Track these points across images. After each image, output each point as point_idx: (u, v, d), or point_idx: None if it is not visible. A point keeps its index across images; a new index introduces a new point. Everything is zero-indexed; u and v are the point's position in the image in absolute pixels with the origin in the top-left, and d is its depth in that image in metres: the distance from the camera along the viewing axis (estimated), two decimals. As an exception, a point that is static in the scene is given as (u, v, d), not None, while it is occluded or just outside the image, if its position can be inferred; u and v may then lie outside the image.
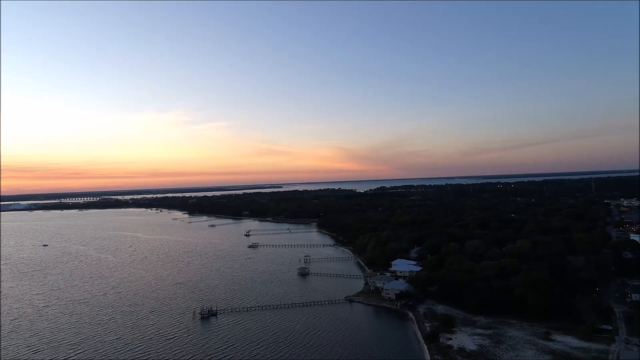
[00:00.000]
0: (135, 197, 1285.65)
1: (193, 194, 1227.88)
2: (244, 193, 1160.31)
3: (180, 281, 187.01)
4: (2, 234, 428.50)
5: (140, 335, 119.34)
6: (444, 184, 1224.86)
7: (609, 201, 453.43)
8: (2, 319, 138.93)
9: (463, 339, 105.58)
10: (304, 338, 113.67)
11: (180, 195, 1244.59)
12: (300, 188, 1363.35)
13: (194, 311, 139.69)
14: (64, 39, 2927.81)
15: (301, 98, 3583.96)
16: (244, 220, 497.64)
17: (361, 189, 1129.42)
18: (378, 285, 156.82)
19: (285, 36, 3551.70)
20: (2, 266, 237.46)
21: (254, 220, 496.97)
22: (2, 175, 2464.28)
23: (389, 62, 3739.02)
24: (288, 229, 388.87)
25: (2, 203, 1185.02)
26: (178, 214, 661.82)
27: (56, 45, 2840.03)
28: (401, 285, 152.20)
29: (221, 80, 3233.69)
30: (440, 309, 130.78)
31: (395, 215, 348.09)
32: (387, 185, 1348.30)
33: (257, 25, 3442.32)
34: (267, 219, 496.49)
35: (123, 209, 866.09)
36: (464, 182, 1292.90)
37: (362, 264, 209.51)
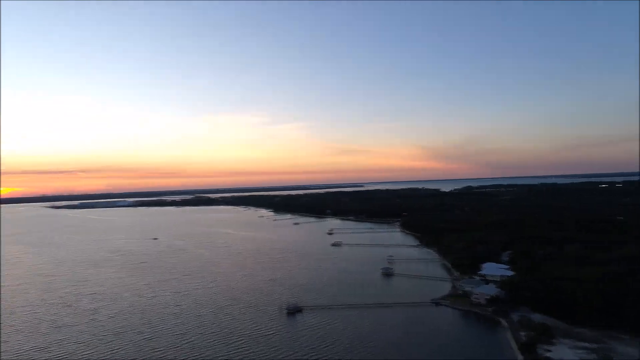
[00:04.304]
0: (225, 195, 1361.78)
1: (277, 193, 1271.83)
2: (326, 192, 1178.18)
3: (270, 277, 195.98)
4: (114, 228, 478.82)
5: (237, 328, 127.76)
6: (537, 182, 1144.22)
7: None
8: (115, 306, 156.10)
9: (564, 352, 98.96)
10: (391, 341, 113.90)
11: (265, 193, 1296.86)
12: (382, 187, 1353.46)
13: (280, 307, 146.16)
14: (152, 45, 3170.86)
15: (379, 97, 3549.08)
16: (327, 219, 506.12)
17: (445, 188, 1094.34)
18: (467, 289, 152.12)
19: (363, 37, 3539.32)
20: (116, 257, 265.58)
21: (336, 219, 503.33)
22: (111, 175, 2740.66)
23: (467, 57, 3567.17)
24: (371, 228, 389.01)
25: (111, 200, 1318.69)
26: (264, 212, 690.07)
27: (144, 52, 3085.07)
28: (492, 290, 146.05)
29: (300, 81, 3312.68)
30: (536, 317, 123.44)
31: (484, 215, 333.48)
32: (474, 184, 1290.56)
33: (335, 26, 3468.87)
34: (349, 217, 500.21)
35: (214, 207, 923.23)
36: (560, 181, 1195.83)
37: (449, 266, 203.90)
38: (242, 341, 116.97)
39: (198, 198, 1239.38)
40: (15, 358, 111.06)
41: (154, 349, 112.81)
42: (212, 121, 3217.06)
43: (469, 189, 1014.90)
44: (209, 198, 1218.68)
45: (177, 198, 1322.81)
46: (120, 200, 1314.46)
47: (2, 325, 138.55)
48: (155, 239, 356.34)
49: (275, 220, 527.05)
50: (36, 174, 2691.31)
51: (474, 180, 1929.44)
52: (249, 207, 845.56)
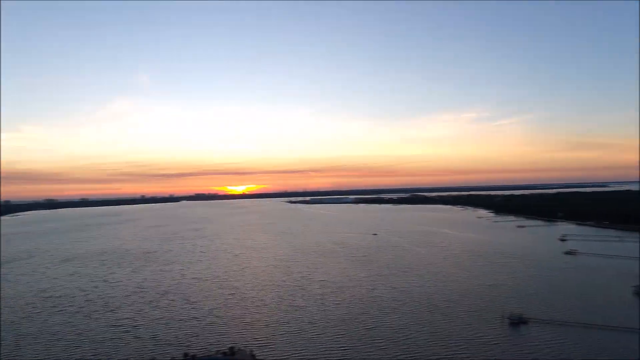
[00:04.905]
0: (441, 194, 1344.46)
1: (498, 192, 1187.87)
2: (557, 192, 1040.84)
3: (490, 282, 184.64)
4: (338, 222, 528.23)
5: (453, 330, 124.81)
6: None
7: None
8: (340, 294, 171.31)
9: None
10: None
11: (484, 193, 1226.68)
12: (635, 187, 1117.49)
13: (502, 315, 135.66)
14: (358, 49, 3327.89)
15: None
16: (558, 223, 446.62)
17: None
18: None
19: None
20: (339, 249, 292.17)
21: (570, 223, 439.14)
22: (337, 174, 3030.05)
23: None
24: (618, 236, 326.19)
25: (336, 197, 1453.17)
26: (483, 212, 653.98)
27: (354, 60, 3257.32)
28: None
29: (523, 71, 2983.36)
30: None
31: None
32: None
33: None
34: (587, 223, 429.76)
35: (430, 205, 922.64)
36: None
37: None
38: (459, 345, 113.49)
39: (414, 196, 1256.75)
40: (253, 329, 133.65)
41: (373, 339, 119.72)
42: (427, 120, 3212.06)
43: None
44: (425, 196, 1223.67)
45: (394, 196, 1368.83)
46: (344, 197, 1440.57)
47: (255, 298, 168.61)
48: (374, 234, 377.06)
49: (495, 221, 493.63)
50: (278, 173, 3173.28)
51: None
52: (466, 206, 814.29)
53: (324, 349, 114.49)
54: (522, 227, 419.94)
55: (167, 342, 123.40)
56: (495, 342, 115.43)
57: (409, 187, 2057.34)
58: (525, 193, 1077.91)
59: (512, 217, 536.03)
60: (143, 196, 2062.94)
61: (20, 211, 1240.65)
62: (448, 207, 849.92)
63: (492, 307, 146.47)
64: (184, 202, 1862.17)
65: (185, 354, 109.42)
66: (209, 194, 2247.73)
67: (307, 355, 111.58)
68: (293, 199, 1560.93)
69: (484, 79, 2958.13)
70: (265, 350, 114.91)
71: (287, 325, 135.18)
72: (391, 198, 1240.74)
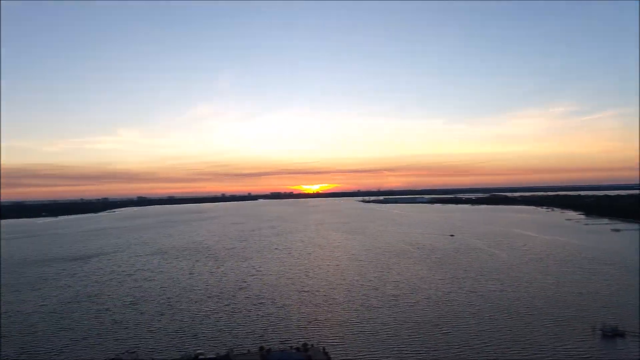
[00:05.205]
0: (524, 194, 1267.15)
1: (589, 193, 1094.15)
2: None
3: (580, 290, 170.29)
4: (413, 223, 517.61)
5: (537, 340, 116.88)
6: None
7: None
8: (413, 296, 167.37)
9: None
10: None
11: (573, 193, 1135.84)
12: None
13: (594, 326, 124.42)
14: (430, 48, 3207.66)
15: None
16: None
17: None
18: None
19: None
20: (413, 250, 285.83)
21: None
22: (411, 173, 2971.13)
23: None
24: None
25: (410, 196, 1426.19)
26: (571, 214, 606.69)
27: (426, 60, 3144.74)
28: None
29: (620, 60, 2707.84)
30: None
31: None
32: None
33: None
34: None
35: (511, 206, 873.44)
36: None
37: None
38: (544, 356, 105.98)
39: (494, 196, 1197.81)
40: (324, 327, 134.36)
41: (448, 344, 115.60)
42: (508, 115, 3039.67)
43: None
44: (506, 197, 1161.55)
45: (472, 196, 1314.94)
46: (418, 197, 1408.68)
47: (328, 296, 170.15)
48: (451, 235, 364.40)
49: (586, 224, 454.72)
50: (351, 172, 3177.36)
51: None
52: (553, 207, 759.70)
53: (397, 351, 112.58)
54: (618, 230, 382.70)
55: (243, 335, 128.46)
56: (586, 356, 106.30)
57: (488, 186, 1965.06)
58: (622, 193, 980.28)
59: (605, 220, 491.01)
60: (223, 194, 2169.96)
61: (116, 207, 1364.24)
62: (532, 208, 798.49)
63: (582, 317, 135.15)
64: (261, 200, 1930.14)
65: (261, 348, 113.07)
66: (284, 192, 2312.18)
67: (380, 356, 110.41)
68: (367, 198, 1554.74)
69: (573, 70, 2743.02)
70: (338, 348, 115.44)
71: (360, 325, 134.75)
72: (469, 198, 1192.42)
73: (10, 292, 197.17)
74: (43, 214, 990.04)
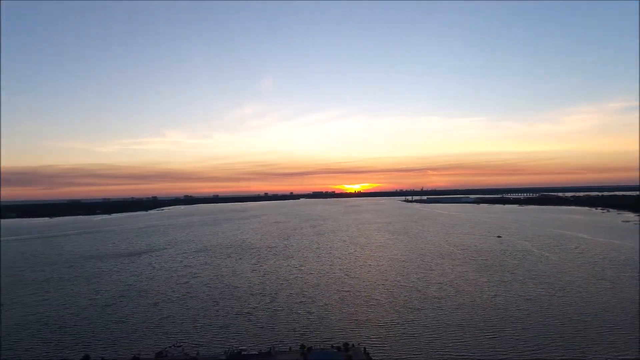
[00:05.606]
0: (577, 194, 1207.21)
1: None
2: None
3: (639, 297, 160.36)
4: (458, 223, 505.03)
5: (591, 349, 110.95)
6: None
7: None
8: (458, 298, 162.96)
9: None
10: None
11: (632, 193, 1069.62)
12: None
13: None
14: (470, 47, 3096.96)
15: None
16: None
17: None
18: None
19: None
20: (458, 250, 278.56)
21: None
22: (456, 172, 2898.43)
23: None
24: None
25: (455, 196, 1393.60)
26: (630, 215, 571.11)
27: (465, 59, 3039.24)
28: None
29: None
30: None
31: None
32: None
33: None
34: None
35: (562, 207, 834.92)
36: None
37: None
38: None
39: (544, 196, 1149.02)
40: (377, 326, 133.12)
41: (494, 349, 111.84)
42: (560, 111, 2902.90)
43: None
44: (557, 197, 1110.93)
45: (520, 196, 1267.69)
46: (463, 197, 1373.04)
47: (369, 296, 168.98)
48: (498, 237, 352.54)
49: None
50: (394, 171, 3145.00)
51: None
52: (608, 209, 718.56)
53: (439, 355, 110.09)
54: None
55: (284, 333, 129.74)
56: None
57: (537, 186, 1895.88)
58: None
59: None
60: (266, 193, 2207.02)
61: (164, 206, 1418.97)
62: (585, 209, 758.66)
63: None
64: (302, 199, 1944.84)
65: (302, 346, 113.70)
66: (325, 192, 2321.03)
67: (422, 359, 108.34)
68: (409, 198, 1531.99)
69: (630, 62, 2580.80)
70: (379, 349, 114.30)
71: (401, 326, 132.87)
72: (517, 198, 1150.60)
73: (68, 286, 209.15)
74: (97, 211, 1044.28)
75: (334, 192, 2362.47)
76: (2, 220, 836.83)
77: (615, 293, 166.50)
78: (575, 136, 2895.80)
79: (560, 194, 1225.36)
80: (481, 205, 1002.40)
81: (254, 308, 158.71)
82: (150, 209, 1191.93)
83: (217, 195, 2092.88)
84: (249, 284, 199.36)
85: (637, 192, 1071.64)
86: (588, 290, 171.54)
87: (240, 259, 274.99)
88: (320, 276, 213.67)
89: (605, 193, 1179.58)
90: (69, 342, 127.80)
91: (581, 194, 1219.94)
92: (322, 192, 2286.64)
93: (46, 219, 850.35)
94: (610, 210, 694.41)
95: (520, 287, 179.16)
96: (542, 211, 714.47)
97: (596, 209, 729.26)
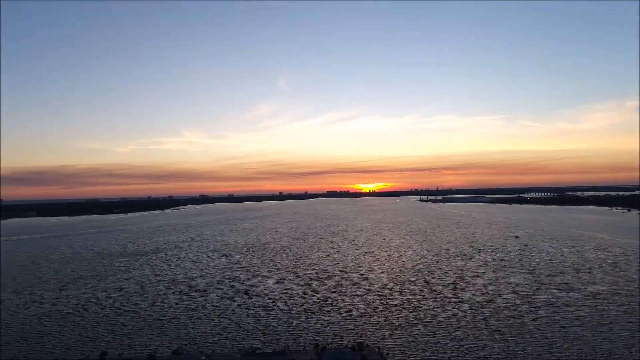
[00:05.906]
0: (597, 194, 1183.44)
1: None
2: None
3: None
4: (473, 223, 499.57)
5: (609, 351, 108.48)
6: None
7: None
8: (473, 299, 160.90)
9: None
10: None
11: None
12: None
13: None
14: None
15: None
16: None
17: None
18: None
19: None
20: (474, 251, 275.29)
21: None
22: (471, 172, 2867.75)
23: None
24: None
25: (470, 196, 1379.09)
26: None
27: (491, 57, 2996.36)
28: None
29: None
30: None
31: None
32: None
33: None
34: None
35: (581, 207, 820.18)
36: None
37: None
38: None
39: (562, 196, 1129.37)
40: (381, 327, 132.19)
41: (512, 350, 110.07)
42: (579, 110, 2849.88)
43: None
44: (576, 196, 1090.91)
45: (538, 195, 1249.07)
46: (479, 196, 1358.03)
47: (383, 296, 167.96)
48: (515, 237, 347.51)
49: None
50: (408, 171, 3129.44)
51: None
52: (629, 209, 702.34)
53: (455, 356, 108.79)
54: None
55: (299, 332, 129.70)
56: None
57: (555, 185, 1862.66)
58: None
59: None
60: (281, 193, 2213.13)
61: (180, 205, 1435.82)
62: (605, 209, 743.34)
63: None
64: (317, 199, 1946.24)
65: (316, 345, 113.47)
66: (340, 191, 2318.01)
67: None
68: (424, 197, 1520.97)
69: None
70: (393, 349, 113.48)
71: (416, 326, 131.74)
72: (534, 198, 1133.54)
73: (86, 284, 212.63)
74: (115, 210, 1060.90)
75: (348, 191, 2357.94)
76: (23, 219, 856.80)
77: (636, 295, 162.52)
78: (594, 135, 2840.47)
79: (579, 194, 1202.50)
80: (497, 204, 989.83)
81: (268, 307, 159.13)
82: (167, 208, 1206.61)
83: (232, 195, 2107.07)
84: (264, 283, 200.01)
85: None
86: (608, 292, 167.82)
87: (254, 258, 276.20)
88: (334, 276, 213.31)
89: (626, 193, 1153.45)
90: (86, 340, 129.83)
91: (601, 193, 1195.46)
92: (336, 192, 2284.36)
93: (65, 218, 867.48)
94: (632, 210, 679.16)
95: (538, 288, 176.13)
96: (560, 211, 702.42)
97: (616, 209, 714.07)
